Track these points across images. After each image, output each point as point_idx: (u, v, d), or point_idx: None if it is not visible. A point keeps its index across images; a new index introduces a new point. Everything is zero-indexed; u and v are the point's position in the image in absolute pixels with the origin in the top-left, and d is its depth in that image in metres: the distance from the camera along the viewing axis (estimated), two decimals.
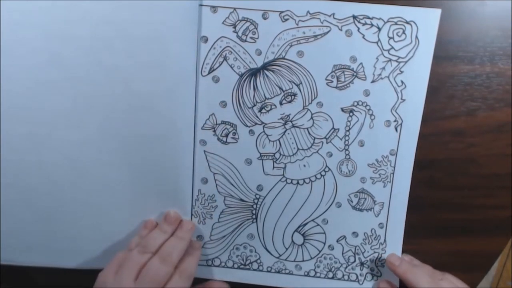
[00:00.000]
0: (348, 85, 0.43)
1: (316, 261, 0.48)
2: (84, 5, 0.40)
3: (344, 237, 0.48)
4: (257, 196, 0.46)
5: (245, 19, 0.42)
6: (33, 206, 0.47)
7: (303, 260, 0.48)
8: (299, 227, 0.47)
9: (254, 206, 0.47)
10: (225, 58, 0.43)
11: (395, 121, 0.44)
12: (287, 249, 0.48)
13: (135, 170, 0.45)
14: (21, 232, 0.48)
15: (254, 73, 0.43)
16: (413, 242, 0.47)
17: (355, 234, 0.47)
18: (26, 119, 0.43)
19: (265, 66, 0.43)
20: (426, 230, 0.48)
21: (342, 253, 0.48)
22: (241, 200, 0.47)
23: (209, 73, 0.43)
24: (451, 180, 0.47)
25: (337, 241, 0.48)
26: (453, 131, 0.45)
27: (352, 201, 0.46)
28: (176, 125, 0.43)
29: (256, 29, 0.42)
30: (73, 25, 0.41)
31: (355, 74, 0.43)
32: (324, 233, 0.47)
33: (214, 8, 0.42)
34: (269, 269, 0.48)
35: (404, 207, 0.46)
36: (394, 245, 0.47)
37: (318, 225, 0.47)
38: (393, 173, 0.45)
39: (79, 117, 0.43)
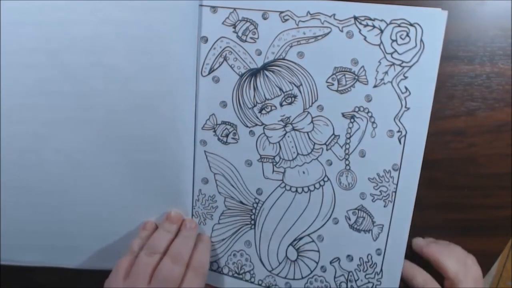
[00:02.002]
0: (349, 89, 0.42)
1: (307, 282, 0.47)
2: (84, 5, 0.40)
3: (338, 259, 0.46)
4: (256, 201, 0.46)
5: (245, 19, 0.42)
6: (33, 206, 0.47)
7: (294, 279, 0.47)
8: (294, 240, 0.46)
9: (253, 211, 0.46)
10: (225, 58, 0.43)
11: (398, 131, 0.42)
12: (280, 263, 0.47)
13: (135, 170, 0.45)
14: (21, 232, 0.48)
15: (254, 73, 0.43)
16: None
17: (349, 258, 0.46)
18: (26, 118, 0.43)
19: (265, 67, 0.43)
20: (426, 230, 0.48)
21: (334, 277, 0.46)
22: (241, 203, 0.46)
23: (209, 73, 0.43)
24: (451, 180, 0.47)
25: (331, 262, 0.46)
26: (453, 131, 0.45)
27: (350, 219, 0.45)
28: (176, 125, 0.43)
29: (256, 29, 0.42)
30: (73, 25, 0.41)
31: (356, 77, 0.41)
32: (318, 251, 0.46)
33: (214, 8, 0.42)
34: (260, 282, 0.48)
35: (406, 233, 0.44)
36: (391, 277, 0.45)
37: (313, 241, 0.46)
38: (395, 192, 0.43)
39: (79, 117, 0.43)
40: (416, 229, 0.47)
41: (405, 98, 0.41)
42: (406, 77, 0.41)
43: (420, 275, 0.46)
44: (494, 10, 0.42)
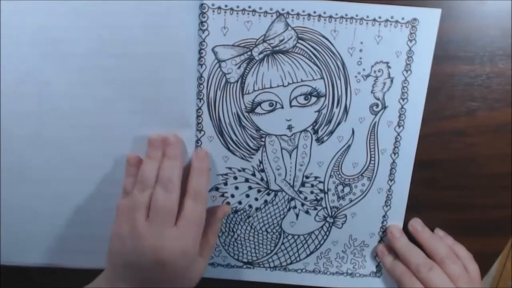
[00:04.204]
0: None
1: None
2: (86, 5, 0.40)
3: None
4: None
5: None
6: (33, 206, 0.47)
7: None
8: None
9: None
10: None
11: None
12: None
13: None
14: (21, 232, 0.48)
15: None
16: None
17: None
18: (26, 118, 0.43)
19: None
20: None
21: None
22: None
23: None
24: (451, 180, 0.47)
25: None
26: (453, 131, 0.45)
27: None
28: (178, 124, 0.44)
29: None
30: (74, 25, 0.41)
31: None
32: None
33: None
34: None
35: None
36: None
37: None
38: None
39: (79, 116, 0.43)
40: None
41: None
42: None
43: (398, 267, 0.46)
44: (494, 10, 0.42)
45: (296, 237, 0.48)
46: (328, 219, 0.47)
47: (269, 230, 0.48)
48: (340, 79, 0.43)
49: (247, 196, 0.47)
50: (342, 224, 0.48)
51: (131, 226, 0.39)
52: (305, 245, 0.48)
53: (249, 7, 0.41)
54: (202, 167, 0.43)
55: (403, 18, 0.41)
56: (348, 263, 0.49)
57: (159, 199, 0.39)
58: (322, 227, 0.48)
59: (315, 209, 0.47)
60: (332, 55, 0.42)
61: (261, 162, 0.45)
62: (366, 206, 0.47)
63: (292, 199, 0.47)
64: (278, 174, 0.46)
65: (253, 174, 0.46)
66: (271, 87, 0.43)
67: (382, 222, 0.47)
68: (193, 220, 0.40)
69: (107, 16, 0.40)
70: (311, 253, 0.49)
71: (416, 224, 0.47)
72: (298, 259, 0.49)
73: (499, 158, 0.46)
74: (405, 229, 0.47)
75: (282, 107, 0.44)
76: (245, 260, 0.49)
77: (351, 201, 0.47)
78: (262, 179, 0.46)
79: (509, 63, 0.43)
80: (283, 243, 0.48)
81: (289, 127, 0.44)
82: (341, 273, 0.49)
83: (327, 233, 0.48)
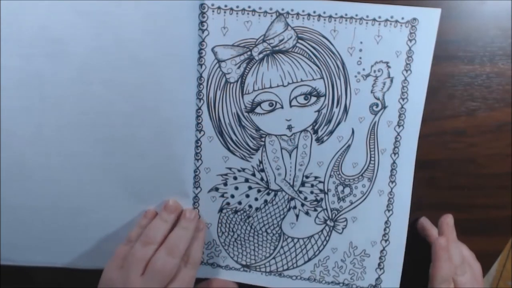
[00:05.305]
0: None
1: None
2: (86, 5, 0.40)
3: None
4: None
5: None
6: (33, 206, 0.47)
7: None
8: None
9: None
10: None
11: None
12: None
13: (137, 167, 0.45)
14: (21, 232, 0.48)
15: None
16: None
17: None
18: (27, 117, 0.43)
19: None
20: None
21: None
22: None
23: None
24: (451, 180, 0.47)
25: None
26: (453, 131, 0.45)
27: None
28: (178, 122, 0.44)
29: None
30: (75, 24, 0.41)
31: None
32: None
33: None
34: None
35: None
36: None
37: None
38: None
39: (80, 118, 0.43)
40: (416, 229, 0.47)
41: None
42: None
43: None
44: (494, 10, 0.42)
45: (296, 240, 0.48)
46: (328, 222, 0.47)
47: (269, 231, 0.48)
48: (340, 79, 0.43)
49: (247, 196, 0.47)
50: (343, 229, 0.47)
51: (125, 277, 0.40)
52: (304, 250, 0.48)
53: (249, 7, 0.41)
54: (187, 227, 0.43)
55: (403, 18, 0.41)
56: (346, 273, 0.48)
57: (159, 260, 0.40)
58: (322, 231, 0.47)
59: (315, 210, 0.47)
60: (332, 55, 0.42)
61: (261, 162, 0.45)
62: (367, 210, 0.46)
63: (292, 199, 0.47)
64: (278, 174, 0.46)
65: (253, 174, 0.46)
66: (271, 87, 0.43)
67: (385, 230, 0.47)
68: (161, 273, 0.40)
69: (107, 16, 0.40)
70: (309, 259, 0.48)
71: (428, 225, 0.47)
72: (295, 265, 0.49)
73: (499, 158, 0.46)
74: (409, 229, 0.47)
75: (282, 107, 0.44)
76: (244, 262, 0.49)
77: (351, 203, 0.47)
78: (262, 179, 0.46)
79: (509, 63, 0.43)
80: (282, 247, 0.48)
81: (289, 127, 0.44)
82: (337, 283, 0.48)
83: (327, 238, 0.48)
